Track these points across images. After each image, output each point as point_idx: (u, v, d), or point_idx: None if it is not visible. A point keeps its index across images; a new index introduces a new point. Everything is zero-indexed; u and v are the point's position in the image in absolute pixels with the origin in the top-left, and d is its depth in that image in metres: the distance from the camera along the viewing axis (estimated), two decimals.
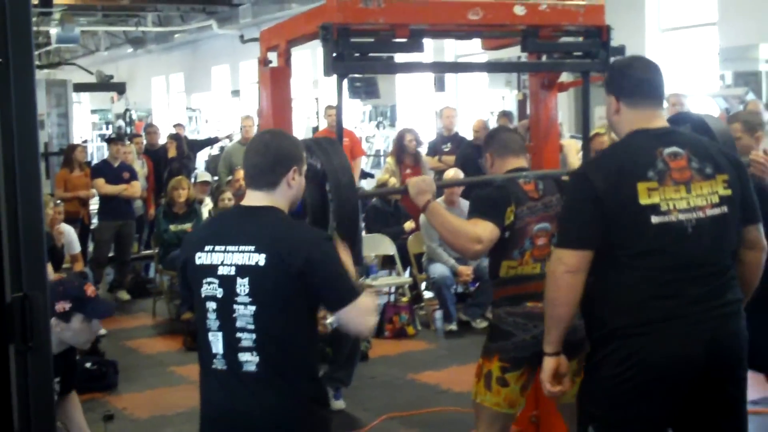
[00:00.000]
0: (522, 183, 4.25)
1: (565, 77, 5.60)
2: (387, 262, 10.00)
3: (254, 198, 3.46)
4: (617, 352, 3.41)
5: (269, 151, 3.44)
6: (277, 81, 5.16)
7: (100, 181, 10.85)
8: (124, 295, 11.08)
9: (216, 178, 12.44)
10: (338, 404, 6.56)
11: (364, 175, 13.45)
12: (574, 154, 5.44)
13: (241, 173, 10.00)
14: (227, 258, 3.36)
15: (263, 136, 3.59)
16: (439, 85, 16.56)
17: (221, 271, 3.36)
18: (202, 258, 3.41)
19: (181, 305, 9.66)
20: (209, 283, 3.37)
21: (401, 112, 18.43)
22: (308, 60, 19.24)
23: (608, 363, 3.44)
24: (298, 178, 3.47)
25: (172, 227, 9.79)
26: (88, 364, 7.33)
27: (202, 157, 16.84)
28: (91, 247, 11.50)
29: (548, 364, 3.61)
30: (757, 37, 11.78)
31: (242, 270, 3.32)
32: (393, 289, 9.68)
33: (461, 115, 12.33)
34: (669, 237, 3.38)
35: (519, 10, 4.75)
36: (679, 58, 13.17)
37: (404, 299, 9.35)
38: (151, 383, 7.58)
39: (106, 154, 20.63)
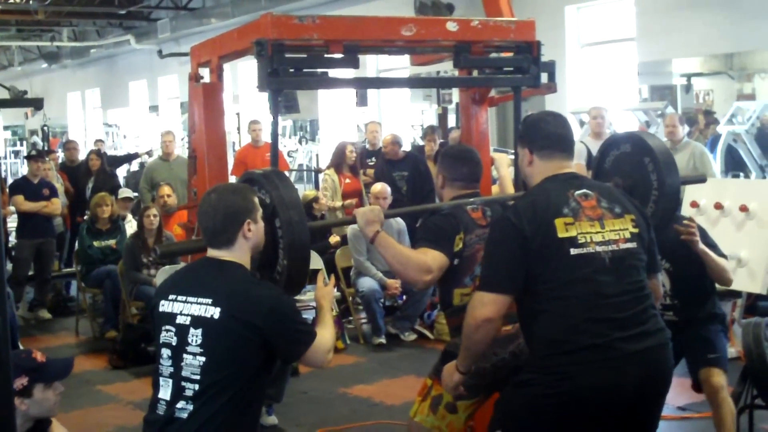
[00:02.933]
0: (470, 210, 4.24)
1: (493, 92, 5.68)
2: (315, 277, 9.95)
3: (216, 254, 3.56)
4: (542, 377, 3.47)
5: (218, 212, 3.53)
6: (209, 96, 5.16)
7: (20, 198, 10.64)
8: (45, 314, 10.88)
9: (136, 194, 12.31)
10: (271, 420, 6.53)
11: None
12: (505, 167, 5.49)
13: (165, 189, 9.96)
14: (185, 308, 3.45)
15: (209, 197, 3.62)
16: (362, 100, 16.58)
17: (178, 320, 3.45)
18: (164, 306, 3.52)
19: (105, 323, 9.55)
20: (167, 331, 3.48)
21: (323, 127, 18.45)
22: (228, 74, 19.16)
23: (535, 384, 3.50)
24: (254, 227, 3.56)
25: (95, 243, 9.67)
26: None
27: (120, 174, 16.65)
28: (9, 265, 11.28)
29: (457, 378, 3.80)
30: (672, 53, 12.09)
31: (197, 321, 3.41)
32: None
33: (384, 129, 12.39)
34: (588, 268, 3.51)
35: (451, 27, 4.82)
36: (598, 73, 13.43)
37: (333, 313, 9.33)
38: (78, 403, 7.45)
39: (20, 171, 20.33)
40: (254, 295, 3.44)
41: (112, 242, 9.73)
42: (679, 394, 5.37)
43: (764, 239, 7.32)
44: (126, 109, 25.76)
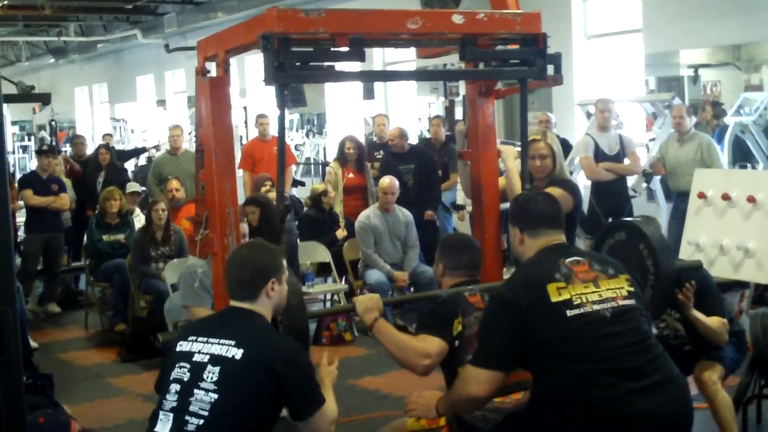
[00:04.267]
0: (468, 295, 4.27)
1: (500, 84, 5.68)
2: (322, 270, 10.02)
3: (239, 304, 3.65)
4: (557, 422, 3.49)
5: (246, 267, 3.65)
6: (216, 90, 5.16)
7: (29, 193, 10.68)
8: (55, 308, 10.94)
9: (144, 188, 12.34)
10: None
11: (295, 183, 13.44)
12: (512, 159, 5.50)
13: (173, 183, 9.97)
14: (205, 348, 3.51)
15: (241, 251, 3.76)
16: (368, 93, 16.64)
17: (195, 357, 3.51)
18: (182, 346, 3.58)
19: (114, 316, 9.59)
20: (181, 367, 3.52)
21: (330, 120, 18.46)
22: (235, 68, 19.16)
23: (546, 422, 3.52)
24: (277, 288, 3.67)
25: (105, 237, 9.71)
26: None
27: (128, 168, 16.67)
28: (18, 260, 11.32)
29: (432, 414, 3.96)
30: (679, 44, 12.06)
31: (215, 359, 3.46)
32: (329, 297, 9.69)
33: (391, 122, 12.40)
34: (589, 326, 3.55)
35: (457, 19, 4.81)
36: (605, 64, 13.40)
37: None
38: (88, 396, 7.50)
39: (29, 166, 20.39)
40: (278, 343, 3.55)
41: (121, 237, 9.77)
42: None
43: None
44: (133, 104, 25.77)
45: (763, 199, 7.39)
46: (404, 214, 9.34)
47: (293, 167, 13.74)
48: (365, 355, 8.49)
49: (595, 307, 3.57)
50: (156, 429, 3.47)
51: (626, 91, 12.73)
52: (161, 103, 24.11)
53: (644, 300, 3.78)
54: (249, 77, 18.89)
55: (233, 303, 3.67)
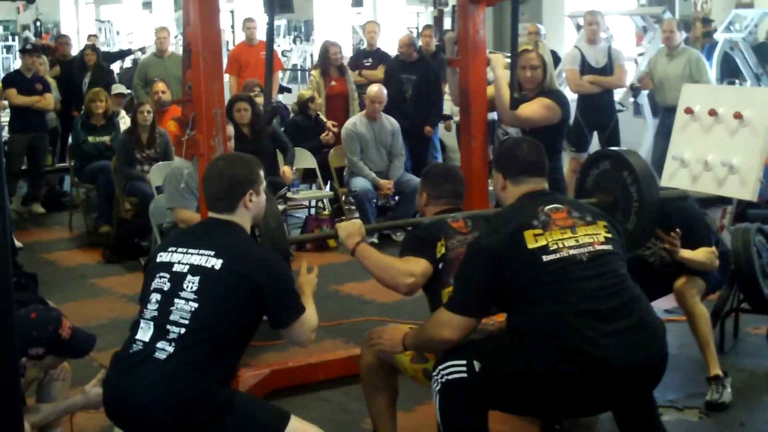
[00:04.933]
0: (450, 221, 4.26)
1: None
2: (308, 176, 10.03)
3: (218, 216, 3.67)
4: (536, 356, 3.50)
5: (223, 180, 3.65)
6: None
7: (12, 92, 10.59)
8: (39, 209, 10.94)
9: (130, 91, 12.25)
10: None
11: (282, 89, 13.37)
12: (501, 68, 5.48)
13: (159, 86, 9.91)
14: (185, 258, 3.54)
15: (217, 164, 3.75)
16: (357, 0, 16.48)
17: (175, 268, 3.53)
18: (162, 257, 3.61)
19: (98, 218, 9.59)
20: (161, 277, 3.55)
21: (318, 27, 18.29)
22: None
23: (527, 353, 3.52)
24: (255, 199, 3.67)
25: (90, 138, 9.66)
26: None
27: (114, 70, 16.53)
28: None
29: (399, 349, 4.02)
30: None
31: (195, 269, 3.49)
32: (314, 203, 9.72)
33: (381, 31, 12.28)
34: (565, 270, 3.57)
35: None
36: None
37: (325, 212, 9.41)
38: (72, 296, 7.54)
39: (12, 66, 20.18)
40: (257, 252, 3.58)
41: (106, 138, 9.70)
42: (663, 299, 5.45)
43: (757, 147, 7.31)
44: (119, 6, 25.46)
45: (749, 115, 7.38)
46: (391, 122, 9.32)
47: (279, 73, 13.64)
48: (348, 261, 8.46)
49: (572, 251, 3.60)
50: (137, 336, 3.48)
51: (617, 4, 12.64)
52: (147, 5, 23.83)
53: (622, 245, 3.80)
54: None
55: (212, 215, 3.68)
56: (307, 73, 16.47)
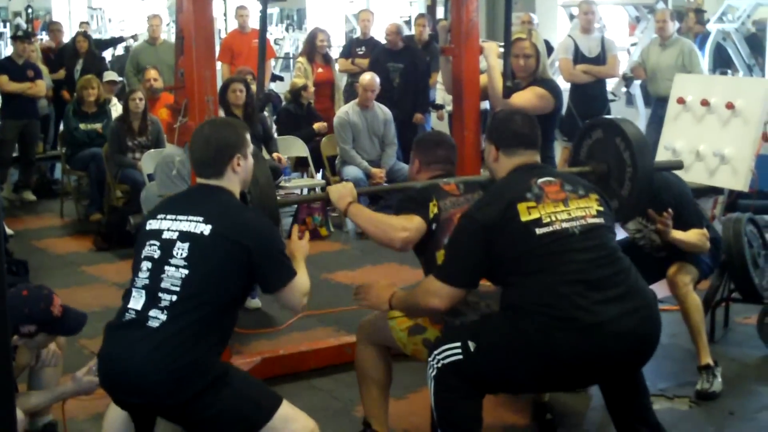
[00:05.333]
0: (442, 185, 4.26)
1: None
2: (300, 164, 10.01)
3: (206, 182, 3.65)
4: (530, 327, 3.52)
5: (210, 145, 3.61)
6: None
7: (4, 78, 10.55)
8: (30, 196, 10.91)
9: (122, 78, 12.21)
10: (254, 303, 6.62)
11: (274, 77, 13.33)
12: (494, 56, 5.48)
13: (151, 73, 9.88)
14: (174, 225, 3.53)
15: (203, 130, 3.70)
16: None
17: (165, 235, 3.52)
18: (152, 224, 3.60)
19: (89, 206, 9.58)
20: (151, 245, 3.54)
21: (310, 15, 18.25)
22: None
23: (522, 325, 3.54)
24: (243, 163, 3.64)
25: (81, 126, 9.64)
26: None
27: (106, 57, 16.46)
28: None
29: (384, 308, 4.03)
30: None
31: (184, 235, 3.48)
32: (306, 191, 9.72)
33: (374, 19, 12.25)
34: (558, 242, 3.59)
35: None
36: None
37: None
38: (63, 283, 7.50)
39: (3, 53, 20.10)
40: (246, 217, 3.56)
41: (98, 126, 9.69)
42: (657, 285, 5.45)
43: (748, 137, 7.35)
44: None
45: (741, 106, 7.42)
46: (383, 111, 9.31)
47: (272, 61, 13.61)
48: (340, 250, 8.54)
49: (564, 225, 3.62)
50: (130, 305, 3.49)
51: None
52: None
53: (612, 218, 3.83)
54: None
55: (200, 180, 3.66)
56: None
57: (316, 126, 9.88)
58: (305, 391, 5.24)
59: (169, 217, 3.56)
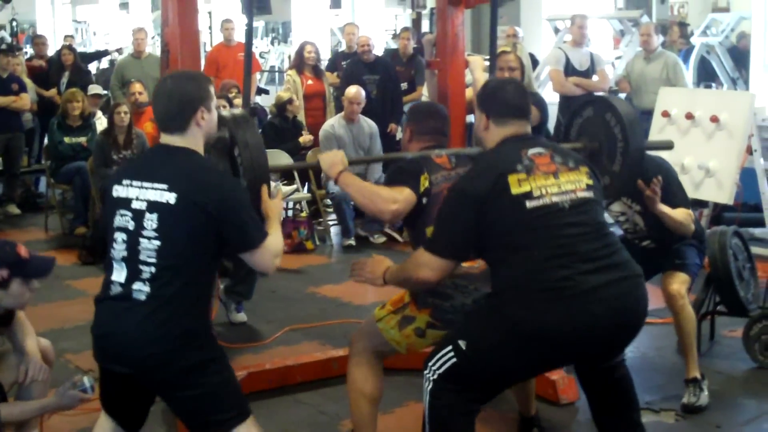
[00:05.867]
0: (434, 157, 4.25)
1: None
2: (286, 178, 9.99)
3: (170, 140, 3.59)
4: (516, 311, 3.51)
5: (173, 99, 3.57)
6: None
7: None
8: (14, 210, 10.85)
9: (106, 92, 12.19)
10: (240, 317, 6.60)
11: (260, 91, 13.34)
12: (480, 70, 5.48)
13: (136, 86, 9.86)
14: (141, 193, 3.50)
15: (165, 83, 3.65)
16: (335, 2, 16.47)
17: (134, 204, 3.50)
18: (118, 191, 3.56)
19: (74, 220, 9.54)
20: (122, 215, 3.52)
21: (296, 29, 18.27)
22: None
23: (507, 312, 3.54)
24: (207, 116, 3.59)
25: (66, 139, 9.61)
26: None
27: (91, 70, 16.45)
28: None
29: (378, 283, 3.95)
30: None
31: (152, 206, 3.46)
32: (291, 204, 9.71)
33: (361, 33, 12.28)
34: (548, 217, 3.58)
35: None
36: None
37: (303, 214, 9.40)
38: (47, 297, 7.46)
39: None
40: (210, 181, 3.50)
41: (82, 139, 9.65)
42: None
43: (733, 150, 7.39)
44: (95, 6, 25.33)
45: (725, 119, 7.46)
46: (369, 124, 9.31)
47: (257, 75, 13.61)
48: (326, 263, 8.53)
49: (555, 198, 3.60)
50: (113, 278, 3.51)
51: (595, 8, 12.69)
52: (124, 6, 23.73)
53: (601, 193, 3.82)
54: None
55: (163, 138, 3.60)
56: (285, 74, 16.46)
57: (302, 139, 9.88)
58: (291, 405, 5.22)
59: (135, 183, 3.52)
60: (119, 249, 3.51)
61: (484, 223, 3.58)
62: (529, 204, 3.56)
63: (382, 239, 9.07)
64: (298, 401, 5.30)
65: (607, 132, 4.52)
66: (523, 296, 3.50)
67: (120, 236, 3.51)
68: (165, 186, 3.45)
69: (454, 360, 3.60)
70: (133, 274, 3.46)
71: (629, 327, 3.65)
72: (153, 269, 3.43)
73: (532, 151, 3.70)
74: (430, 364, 3.67)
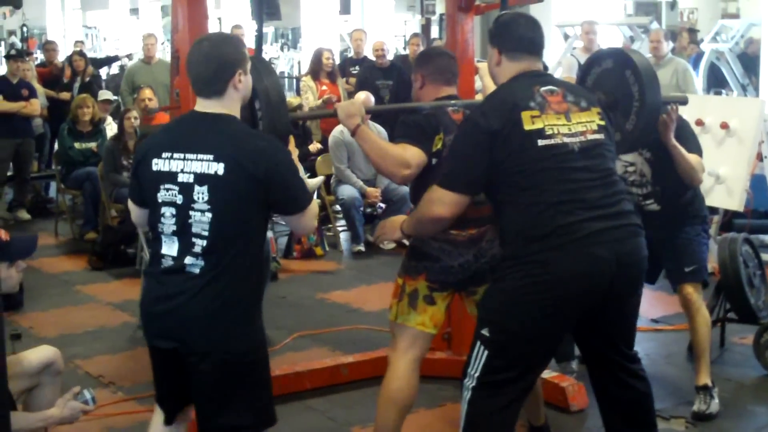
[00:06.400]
0: (451, 112, 4.21)
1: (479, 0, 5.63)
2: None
3: (205, 105, 3.51)
4: (519, 267, 3.55)
5: (210, 62, 3.47)
6: None
7: None
8: (24, 215, 10.88)
9: (116, 97, 12.22)
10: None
11: None
12: (489, 76, 5.48)
13: (146, 92, 9.87)
14: (186, 166, 3.42)
15: (202, 46, 3.55)
16: (344, 8, 16.49)
17: (180, 178, 3.43)
18: (159, 164, 3.47)
19: (84, 225, 9.57)
20: (168, 190, 3.45)
21: (305, 35, 18.29)
22: None
23: (513, 276, 3.57)
24: (244, 79, 3.52)
25: (76, 145, 9.64)
26: None
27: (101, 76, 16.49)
28: None
29: (397, 236, 4.03)
30: None
31: (200, 178, 3.40)
32: None
33: (369, 38, 12.30)
34: (559, 157, 3.57)
35: None
36: None
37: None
38: (57, 302, 7.51)
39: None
40: (256, 147, 3.44)
41: (92, 145, 9.70)
42: (652, 306, 5.46)
43: (743, 157, 7.37)
44: (106, 12, 25.40)
45: (736, 126, 7.44)
46: (378, 130, 9.29)
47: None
48: (336, 269, 8.53)
49: (566, 139, 3.59)
50: (163, 251, 3.47)
51: (605, 14, 12.69)
52: (134, 11, 23.80)
53: (612, 134, 3.80)
54: None
55: (200, 103, 3.54)
56: (294, 80, 16.47)
57: (311, 147, 9.89)
58: (301, 411, 5.22)
59: (176, 156, 3.46)
60: (168, 223, 3.46)
61: (497, 159, 3.57)
62: (540, 142, 3.56)
63: (392, 245, 9.04)
64: (308, 407, 5.29)
65: (625, 89, 4.43)
66: (529, 246, 3.52)
67: (168, 210, 3.46)
68: (210, 156, 3.40)
69: (487, 352, 3.61)
70: (186, 248, 3.42)
71: (632, 267, 3.65)
72: (206, 242, 3.39)
73: (544, 89, 3.67)
74: (468, 370, 3.67)
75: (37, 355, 4.34)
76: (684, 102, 5.09)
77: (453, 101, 4.27)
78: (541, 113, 3.59)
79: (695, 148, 5.08)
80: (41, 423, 4.16)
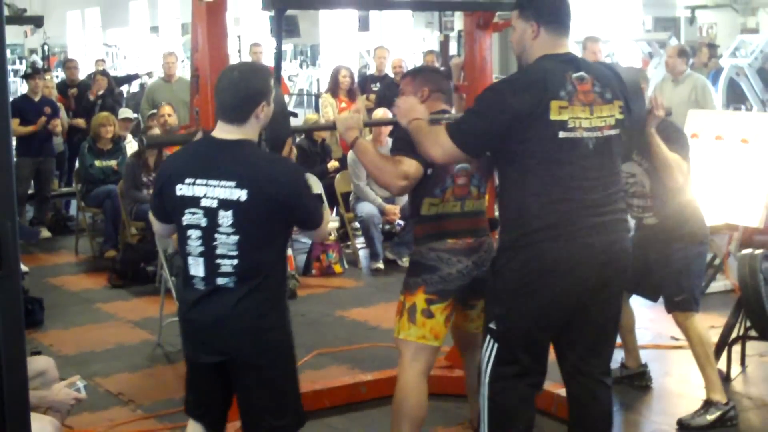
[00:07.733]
0: (444, 125, 4.26)
1: (497, 17, 5.64)
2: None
3: (226, 130, 3.65)
4: (520, 254, 3.68)
5: (239, 91, 3.63)
6: (213, 16, 5.10)
7: (15, 122, 10.58)
8: (45, 233, 10.91)
9: (137, 115, 12.28)
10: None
11: (289, 113, 13.38)
12: None
13: (166, 109, 9.91)
14: (210, 191, 3.59)
15: (232, 75, 3.70)
16: (363, 24, 16.53)
17: (204, 203, 3.60)
18: (183, 190, 3.63)
19: (104, 243, 9.60)
20: (193, 213, 3.62)
21: (324, 52, 18.36)
22: None
23: (511, 265, 3.71)
24: (267, 109, 3.67)
25: (97, 163, 9.69)
26: None
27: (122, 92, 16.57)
28: None
29: (411, 114, 4.07)
30: None
31: (224, 204, 3.56)
32: None
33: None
34: (574, 152, 3.65)
35: None
36: (602, 3, 13.33)
37: (331, 238, 9.40)
38: (78, 320, 7.54)
39: (18, 90, 20.26)
40: (275, 173, 3.61)
41: (113, 163, 9.75)
42: (672, 324, 5.43)
43: (763, 172, 7.35)
44: (126, 29, 25.57)
45: (755, 141, 7.42)
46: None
47: (286, 98, 13.68)
48: (355, 287, 8.53)
49: (584, 134, 3.65)
50: (192, 273, 3.63)
51: (623, 30, 12.68)
52: (154, 29, 23.93)
53: (627, 125, 3.85)
54: (242, 5, 18.73)
55: (220, 126, 3.67)
56: (313, 97, 16.52)
57: (330, 165, 9.92)
58: (320, 429, 5.21)
59: (199, 182, 3.61)
60: (195, 245, 3.62)
61: (513, 137, 3.64)
62: (561, 134, 3.62)
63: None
64: (327, 425, 5.29)
65: None
66: (526, 236, 3.65)
67: (194, 233, 3.62)
68: (233, 183, 3.55)
69: (497, 345, 3.74)
70: (214, 268, 3.58)
71: (620, 254, 3.77)
72: (234, 261, 3.55)
73: (576, 75, 3.70)
74: (483, 366, 3.80)
75: (31, 366, 4.38)
76: (666, 114, 5.08)
77: (446, 115, 4.39)
78: (569, 104, 3.64)
79: (680, 149, 4.98)
80: (35, 400, 4.23)
